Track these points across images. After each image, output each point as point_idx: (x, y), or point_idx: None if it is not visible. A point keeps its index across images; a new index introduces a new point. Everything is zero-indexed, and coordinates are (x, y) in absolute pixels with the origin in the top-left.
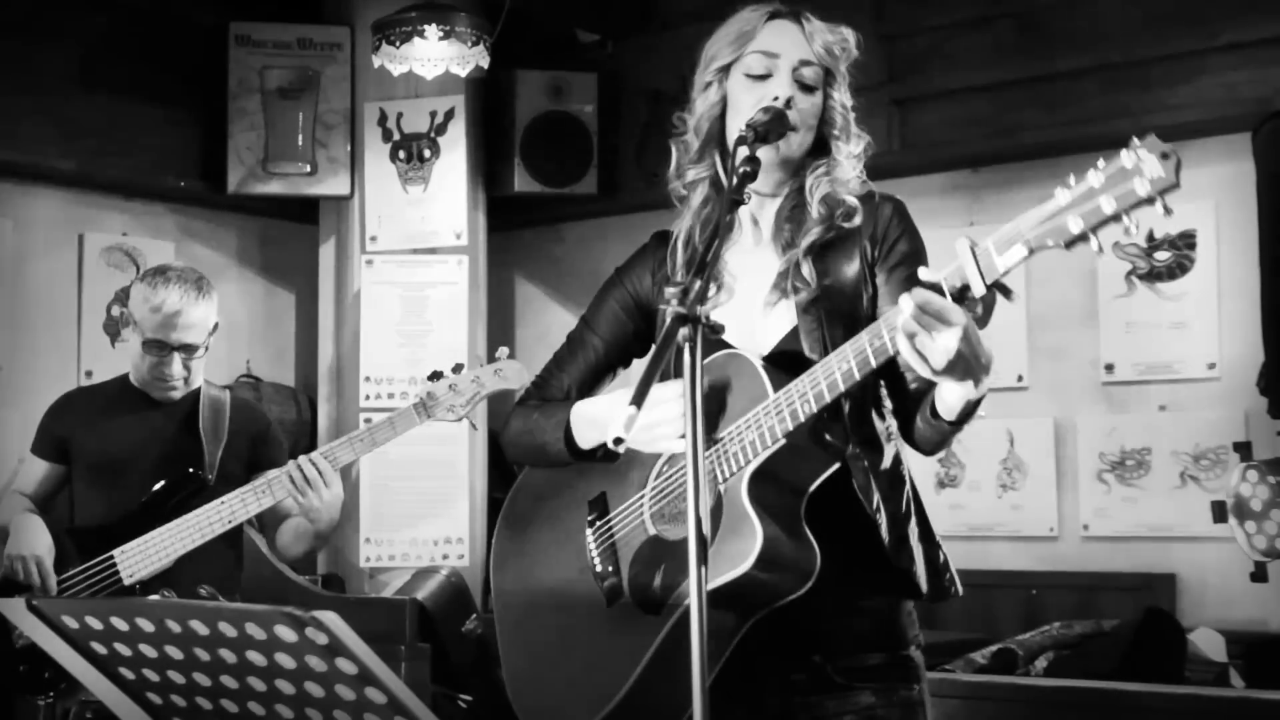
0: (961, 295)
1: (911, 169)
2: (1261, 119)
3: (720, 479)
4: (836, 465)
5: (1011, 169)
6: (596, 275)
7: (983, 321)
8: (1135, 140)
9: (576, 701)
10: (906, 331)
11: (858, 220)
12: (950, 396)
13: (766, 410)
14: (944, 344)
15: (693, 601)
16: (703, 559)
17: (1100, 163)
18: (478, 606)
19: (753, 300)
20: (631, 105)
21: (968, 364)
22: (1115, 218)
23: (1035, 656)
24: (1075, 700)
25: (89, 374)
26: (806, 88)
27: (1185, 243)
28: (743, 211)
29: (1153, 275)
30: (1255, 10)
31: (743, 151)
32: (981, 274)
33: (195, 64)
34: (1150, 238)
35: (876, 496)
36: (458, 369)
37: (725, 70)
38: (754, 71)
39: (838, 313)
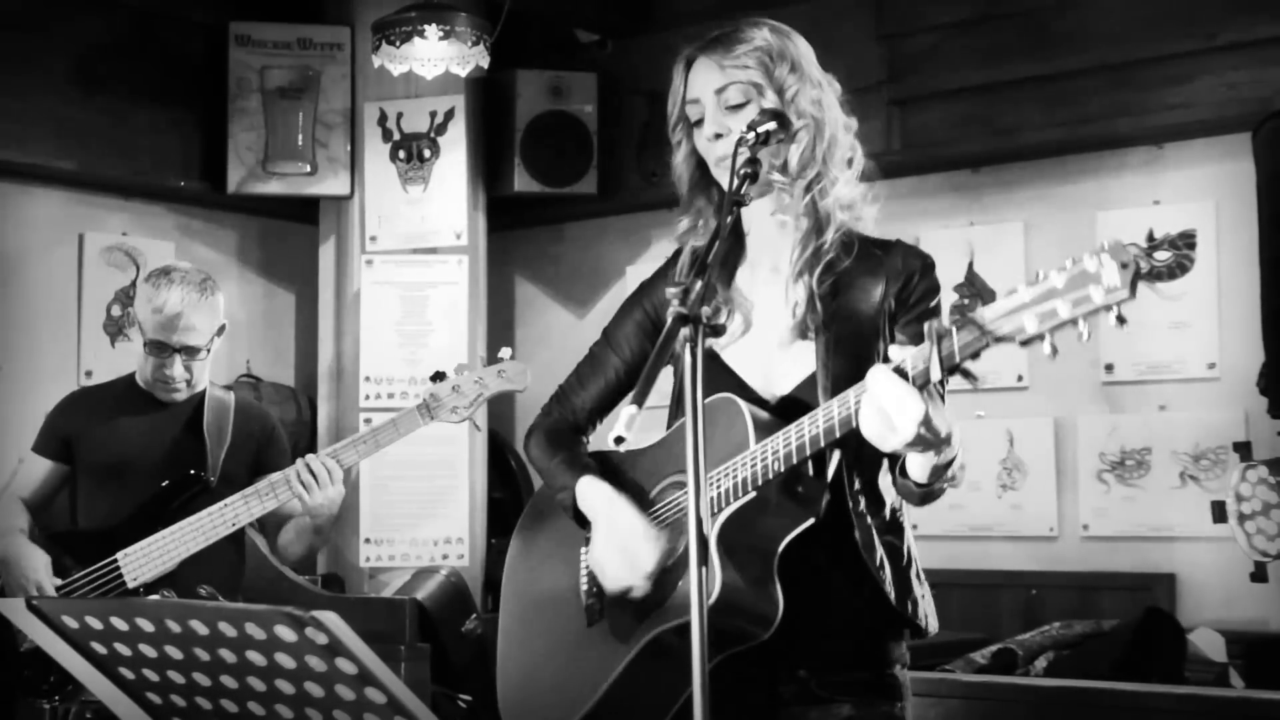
0: (924, 376)
1: (911, 169)
2: (1261, 119)
3: None
4: (810, 521)
5: (1011, 169)
6: (596, 275)
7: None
8: (1103, 243)
9: (545, 711)
10: (871, 410)
11: (864, 252)
12: (913, 461)
13: (744, 461)
14: (904, 427)
15: (693, 602)
16: (703, 559)
17: (1068, 262)
18: (477, 606)
19: (769, 338)
20: (631, 105)
21: (925, 442)
22: (1071, 322)
23: (1035, 656)
24: (1075, 700)
25: (89, 374)
26: (734, 108)
27: (1185, 243)
28: (752, 243)
29: (1153, 275)
30: (1255, 10)
31: (744, 154)
32: (941, 361)
33: (195, 64)
34: (1150, 238)
35: (880, 554)
36: (460, 370)
37: (684, 124)
38: (691, 119)
39: (849, 358)
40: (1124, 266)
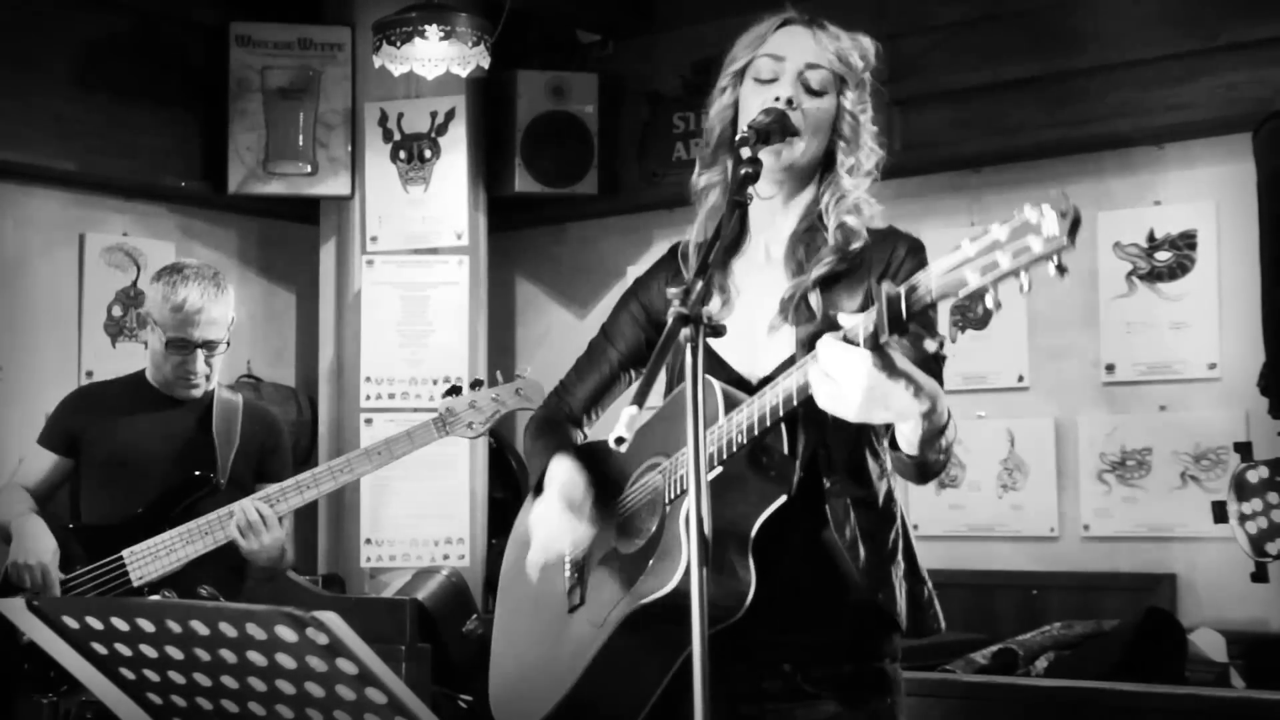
0: (873, 339)
1: (911, 169)
2: (1261, 119)
3: (666, 499)
4: (782, 499)
5: (1011, 169)
6: (597, 275)
7: (983, 324)
8: (1050, 192)
9: (528, 698)
10: (819, 378)
11: (862, 250)
12: (900, 431)
13: (712, 436)
14: (851, 392)
15: (694, 601)
16: (704, 560)
17: (1013, 214)
18: (478, 606)
19: (757, 321)
20: (631, 105)
21: (883, 405)
22: (1012, 273)
23: (1035, 656)
24: (1075, 700)
25: (89, 374)
26: (813, 91)
27: (1186, 243)
28: (753, 226)
29: (1153, 275)
30: (1255, 10)
31: (744, 152)
32: (890, 321)
33: (195, 64)
34: (1151, 237)
35: (853, 533)
36: (476, 385)
37: (739, 75)
38: (762, 75)
39: None
40: (1063, 215)
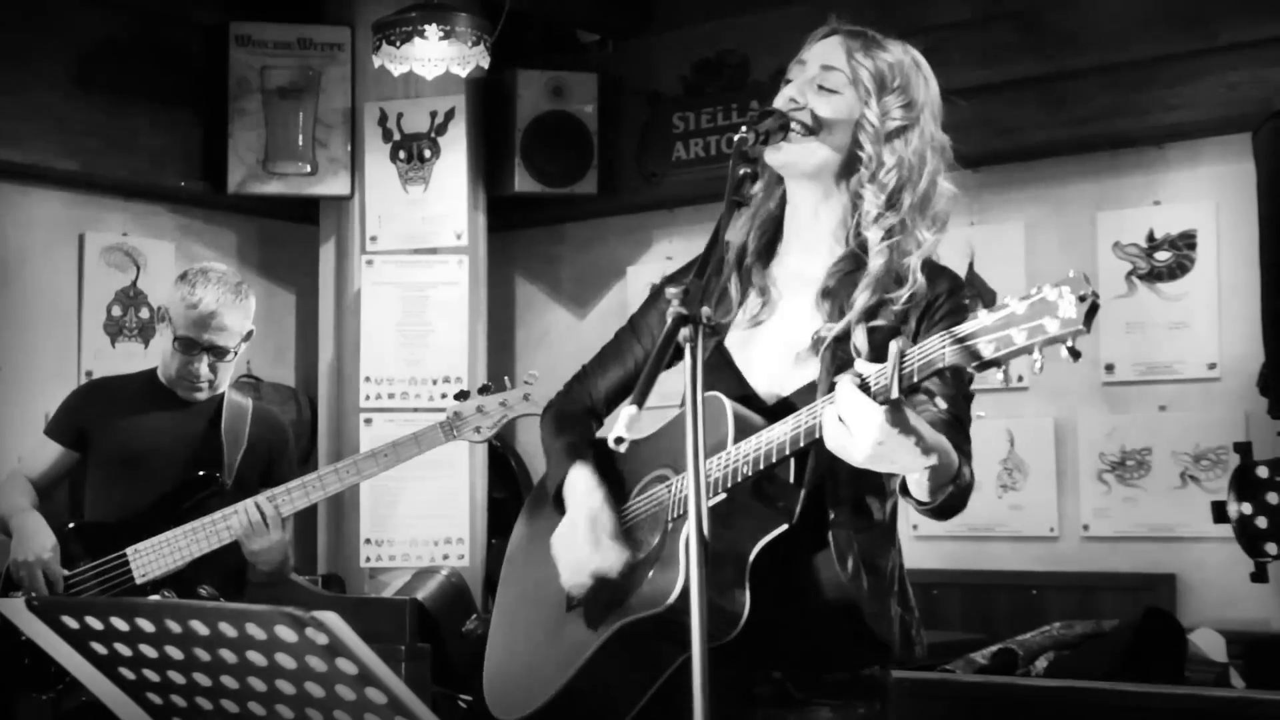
0: (884, 393)
1: None
2: (1261, 119)
3: (670, 516)
4: (783, 527)
5: (1011, 169)
6: (596, 275)
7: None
8: (1070, 273)
9: (519, 690)
10: (832, 421)
11: (913, 294)
12: (910, 478)
13: (718, 462)
14: (861, 441)
15: (693, 601)
16: (704, 560)
17: (1032, 290)
18: (478, 606)
19: (784, 341)
20: (631, 105)
21: (888, 460)
22: (1026, 350)
23: (1035, 656)
24: (1075, 700)
25: (89, 374)
26: (826, 90)
27: (1185, 243)
28: (788, 233)
29: (1153, 275)
30: (1255, 10)
31: (744, 153)
32: (901, 380)
33: (195, 64)
34: (1150, 237)
35: (856, 564)
36: (485, 390)
37: (784, 85)
38: (788, 74)
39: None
40: (1081, 299)
